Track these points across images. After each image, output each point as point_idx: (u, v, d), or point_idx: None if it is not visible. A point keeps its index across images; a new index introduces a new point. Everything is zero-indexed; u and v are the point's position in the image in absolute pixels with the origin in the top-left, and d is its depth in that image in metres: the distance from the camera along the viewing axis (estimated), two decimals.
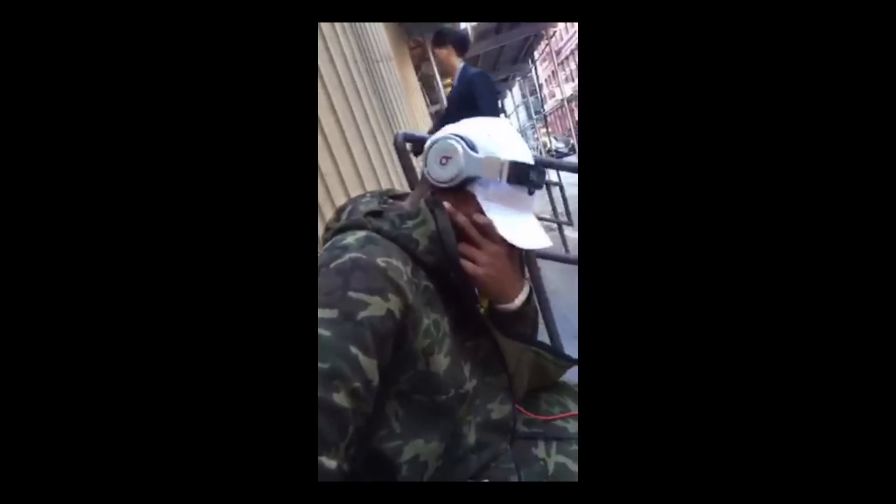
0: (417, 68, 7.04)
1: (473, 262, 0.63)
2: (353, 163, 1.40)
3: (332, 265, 0.53)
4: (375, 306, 0.50)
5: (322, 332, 0.48)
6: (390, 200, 0.67)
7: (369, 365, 0.49)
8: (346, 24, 1.49)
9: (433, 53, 2.34)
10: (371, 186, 1.46)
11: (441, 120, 2.47)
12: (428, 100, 8.11)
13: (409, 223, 0.59)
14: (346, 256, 0.53)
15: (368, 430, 0.53)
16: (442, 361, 0.57)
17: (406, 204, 0.67)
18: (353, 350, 0.48)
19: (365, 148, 1.48)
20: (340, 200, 1.31)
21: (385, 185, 1.51)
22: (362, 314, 0.50)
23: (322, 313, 0.49)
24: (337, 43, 1.42)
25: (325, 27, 1.39)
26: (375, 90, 1.50)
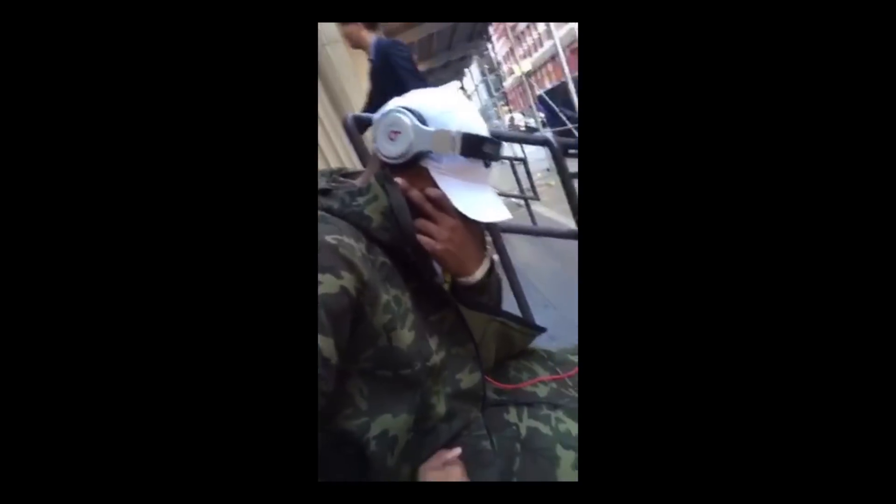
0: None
1: (430, 236, 0.62)
2: None
3: None
4: (327, 284, 0.49)
5: None
6: (341, 179, 0.65)
7: (325, 344, 0.47)
8: None
9: (343, 34, 2.20)
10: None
11: (368, 97, 2.41)
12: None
13: (360, 199, 0.58)
14: None
15: (332, 410, 0.52)
16: (405, 336, 0.56)
17: (358, 181, 0.65)
18: None
19: None
20: None
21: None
22: (326, 292, 0.48)
23: None
24: None
25: None
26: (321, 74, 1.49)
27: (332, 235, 0.52)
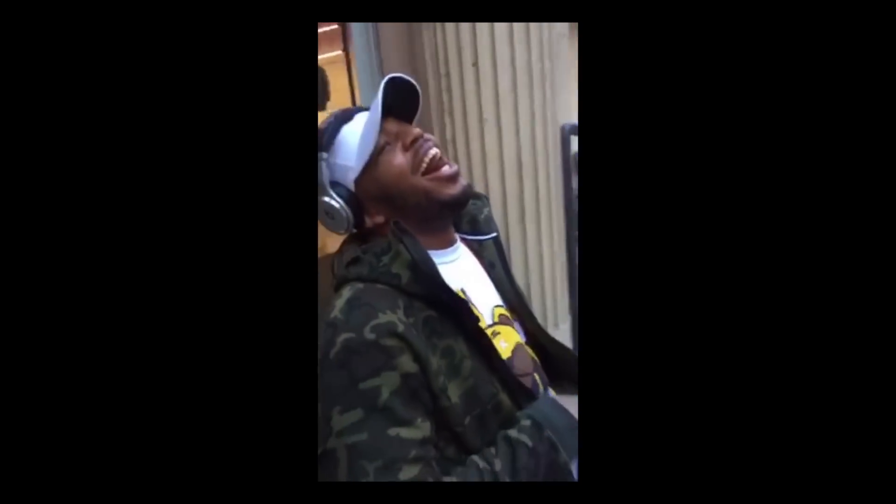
0: None
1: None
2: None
3: (330, 355, 0.52)
4: (389, 380, 0.50)
5: (358, 437, 0.49)
6: (364, 245, 0.65)
7: (411, 432, 0.50)
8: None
9: None
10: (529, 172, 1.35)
11: None
12: None
13: (385, 259, 0.58)
14: (338, 341, 0.52)
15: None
16: (459, 387, 0.55)
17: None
18: (393, 432, 0.49)
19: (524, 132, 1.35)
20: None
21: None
22: (382, 398, 0.50)
23: (349, 417, 0.50)
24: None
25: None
26: (550, 69, 1.35)
27: (370, 325, 0.52)
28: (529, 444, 0.55)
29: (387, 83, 0.60)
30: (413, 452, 0.50)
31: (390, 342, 0.51)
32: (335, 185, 0.64)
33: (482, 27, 1.25)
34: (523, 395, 0.60)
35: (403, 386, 0.51)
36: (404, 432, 0.50)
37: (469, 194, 0.65)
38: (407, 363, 0.52)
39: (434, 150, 0.63)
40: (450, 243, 0.67)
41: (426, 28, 1.31)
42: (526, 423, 0.56)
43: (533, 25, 1.29)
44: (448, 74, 1.30)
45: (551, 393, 0.68)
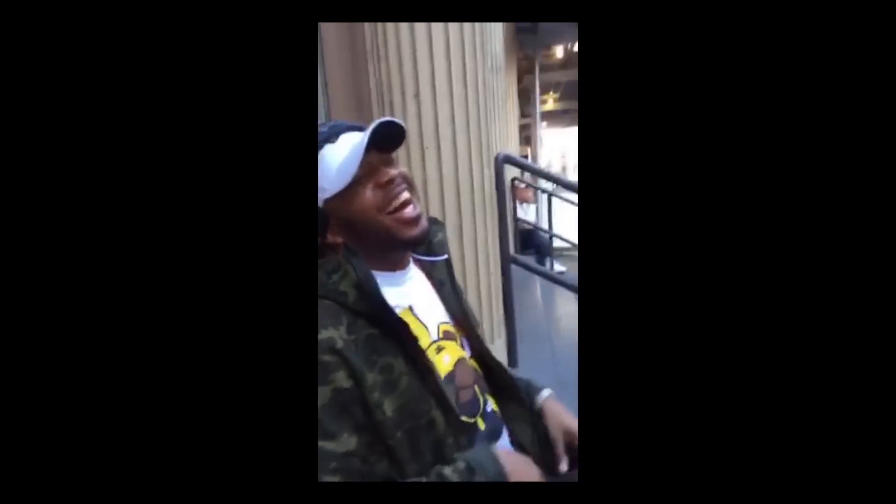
0: (519, 80, 7.37)
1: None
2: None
3: None
4: (321, 395, 0.54)
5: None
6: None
7: (334, 444, 0.53)
8: (474, 26, 1.44)
9: None
10: (467, 195, 1.51)
11: None
12: (521, 112, 8.42)
13: (335, 277, 0.61)
14: None
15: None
16: (393, 402, 0.58)
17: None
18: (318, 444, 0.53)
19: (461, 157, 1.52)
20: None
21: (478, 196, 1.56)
22: (321, 404, 0.53)
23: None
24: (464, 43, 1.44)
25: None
26: (483, 101, 1.53)
27: (321, 336, 0.55)
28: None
29: (378, 125, 0.62)
30: (333, 464, 0.52)
31: (328, 358, 0.55)
32: None
33: (423, 62, 1.39)
34: (456, 415, 0.63)
35: (333, 401, 0.54)
36: (328, 445, 0.53)
37: (426, 235, 0.68)
38: (341, 379, 0.55)
39: (405, 195, 0.66)
40: (403, 266, 0.71)
41: (371, 61, 1.45)
42: (461, 465, 0.58)
43: (469, 60, 1.44)
44: (392, 104, 1.43)
45: (490, 405, 0.72)
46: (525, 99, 8.76)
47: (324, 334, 0.56)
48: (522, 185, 4.66)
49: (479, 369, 0.73)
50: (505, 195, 1.73)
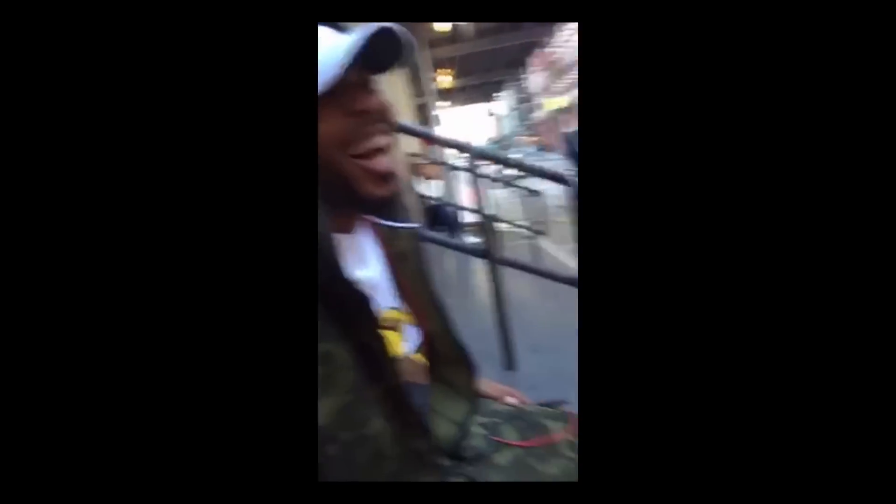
0: None
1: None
2: None
3: None
4: None
5: None
6: None
7: None
8: None
9: None
10: None
11: None
12: (413, 90, 7.87)
13: None
14: None
15: None
16: (330, 404, 0.45)
17: None
18: None
19: None
20: None
21: None
22: None
23: None
24: None
25: None
26: None
27: None
28: None
29: (376, 32, 0.47)
30: None
31: None
32: None
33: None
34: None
35: None
36: None
37: (394, 203, 0.52)
38: None
39: (381, 140, 0.49)
40: (349, 229, 0.54)
41: None
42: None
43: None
44: None
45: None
46: (416, 76, 8.13)
47: None
48: (425, 163, 4.36)
49: (426, 362, 0.60)
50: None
